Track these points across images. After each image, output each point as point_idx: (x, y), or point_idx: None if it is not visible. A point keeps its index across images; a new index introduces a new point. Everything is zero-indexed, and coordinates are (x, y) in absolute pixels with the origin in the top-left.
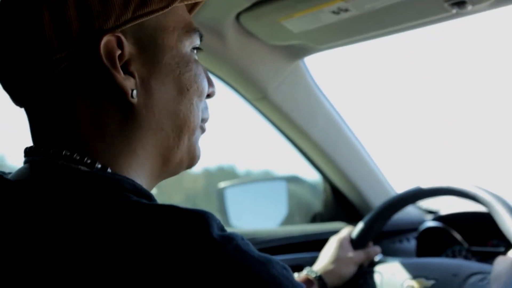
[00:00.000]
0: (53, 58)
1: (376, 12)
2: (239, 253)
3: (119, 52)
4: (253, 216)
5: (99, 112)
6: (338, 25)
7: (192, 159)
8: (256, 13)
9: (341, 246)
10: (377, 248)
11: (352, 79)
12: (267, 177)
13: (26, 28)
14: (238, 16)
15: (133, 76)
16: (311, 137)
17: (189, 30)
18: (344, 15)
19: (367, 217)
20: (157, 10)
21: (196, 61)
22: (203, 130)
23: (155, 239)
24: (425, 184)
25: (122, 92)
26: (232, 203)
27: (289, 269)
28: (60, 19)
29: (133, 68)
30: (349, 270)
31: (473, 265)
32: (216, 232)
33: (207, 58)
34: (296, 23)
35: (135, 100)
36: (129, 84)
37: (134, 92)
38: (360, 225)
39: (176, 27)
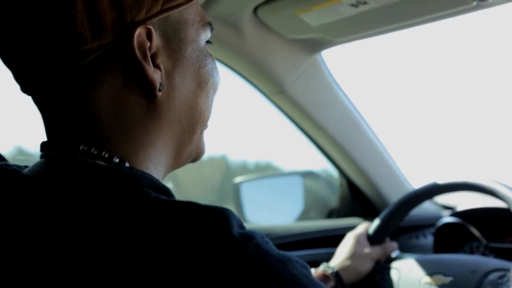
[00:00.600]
0: (84, 48)
1: (395, 4)
2: (259, 252)
3: (148, 44)
4: (269, 211)
5: (124, 105)
6: (357, 18)
7: (199, 153)
8: (273, 7)
9: (358, 242)
10: (394, 244)
11: (369, 73)
12: (283, 172)
13: (56, 16)
14: (255, 9)
15: (160, 69)
16: (328, 131)
17: (204, 23)
18: (362, 8)
19: (384, 213)
20: (183, 3)
21: (210, 55)
22: (207, 125)
23: (175, 236)
24: (443, 179)
25: (150, 85)
26: (248, 198)
27: (309, 268)
28: (94, 9)
29: (160, 60)
30: (366, 266)
31: (492, 261)
32: (236, 229)
33: (225, 52)
34: (314, 16)
35: (160, 93)
36: (157, 77)
37: (162, 85)
38: (377, 221)
39: (195, 20)
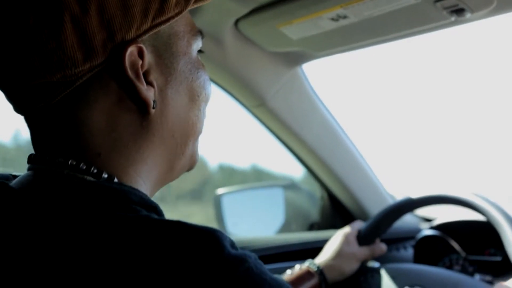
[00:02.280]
0: (75, 71)
1: (375, 19)
2: (251, 277)
3: (140, 62)
4: (250, 223)
5: (116, 123)
6: (337, 32)
7: (192, 163)
8: (254, 20)
9: (346, 241)
10: (383, 246)
11: (350, 85)
12: (265, 184)
13: (45, 41)
14: (236, 22)
15: (153, 86)
16: (308, 144)
17: (195, 33)
18: (343, 22)
19: (376, 215)
20: (173, 17)
21: (203, 65)
22: (201, 132)
23: (167, 257)
24: (423, 192)
25: (144, 104)
26: (229, 210)
27: None
28: (83, 31)
29: (152, 77)
30: (352, 266)
31: (470, 281)
32: (229, 251)
33: (206, 64)
34: (295, 30)
35: (153, 110)
36: (151, 95)
37: (156, 103)
38: (369, 222)
39: (185, 31)
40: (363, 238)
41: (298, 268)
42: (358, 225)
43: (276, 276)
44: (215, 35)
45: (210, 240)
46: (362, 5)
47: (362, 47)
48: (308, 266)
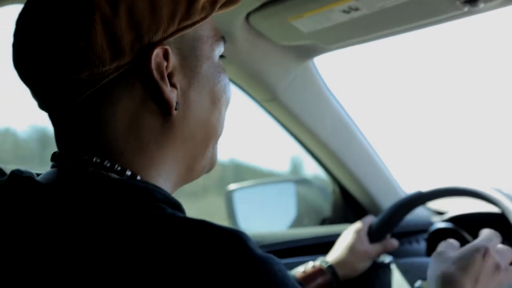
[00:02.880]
0: (103, 70)
1: (387, 10)
2: (274, 278)
3: (165, 64)
4: (262, 218)
5: (139, 123)
6: (349, 24)
7: (212, 165)
8: (265, 13)
9: (358, 237)
10: (395, 241)
11: (362, 79)
12: (276, 180)
13: (76, 39)
14: (247, 16)
15: (176, 88)
16: (320, 138)
17: (218, 38)
18: (354, 14)
19: (387, 210)
20: (199, 21)
21: (224, 70)
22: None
23: (192, 255)
24: (435, 185)
25: (166, 105)
26: (241, 206)
27: None
28: (112, 31)
29: (176, 79)
30: (364, 263)
31: None
32: (253, 250)
33: None
34: (306, 23)
35: (176, 112)
36: (174, 96)
37: (178, 104)
38: (379, 218)
39: (209, 36)
40: (374, 235)
41: (311, 265)
42: (369, 220)
43: (297, 285)
44: (226, 29)
45: (235, 240)
46: None
47: (374, 39)
48: (320, 264)
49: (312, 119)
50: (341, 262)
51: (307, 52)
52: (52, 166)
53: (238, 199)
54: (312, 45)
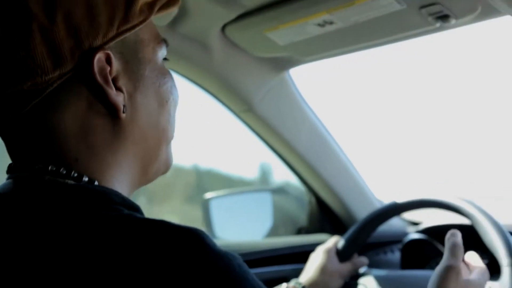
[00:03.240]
0: (45, 79)
1: (361, 24)
2: (233, 272)
3: (108, 68)
4: (238, 227)
5: (89, 128)
6: (324, 38)
7: (167, 167)
8: (241, 25)
9: (328, 257)
10: (364, 259)
11: (337, 89)
12: (253, 188)
13: (15, 50)
14: (223, 27)
15: (122, 91)
16: (296, 149)
17: (159, 41)
18: (329, 28)
19: (352, 229)
20: (137, 24)
21: (168, 72)
22: (173, 136)
23: (150, 254)
24: (409, 197)
25: (113, 108)
26: (217, 215)
27: None
28: (51, 39)
29: (121, 83)
30: (336, 282)
31: None
32: (212, 246)
33: (193, 69)
34: (282, 35)
35: (124, 115)
36: (120, 99)
37: (125, 107)
38: (346, 236)
39: (150, 39)
40: (342, 254)
41: (285, 287)
42: (336, 240)
43: (258, 281)
44: (202, 40)
45: (193, 237)
46: (348, 11)
47: (348, 52)
48: (293, 286)
49: (288, 130)
50: (314, 283)
51: (283, 63)
52: (8, 178)
53: (214, 208)
54: (288, 57)
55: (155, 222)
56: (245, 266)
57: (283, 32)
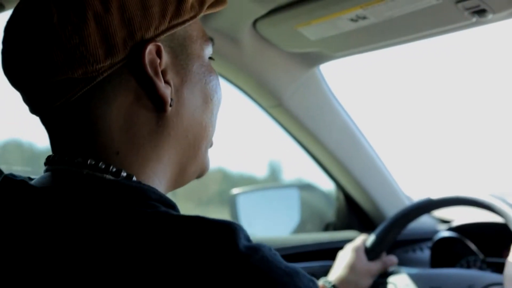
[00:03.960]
0: (96, 67)
1: (395, 20)
2: (266, 264)
3: (158, 61)
4: (265, 223)
5: (134, 121)
6: (356, 33)
7: (203, 170)
8: (272, 20)
9: (357, 255)
10: (394, 258)
11: (368, 86)
12: (280, 185)
13: (69, 37)
14: (254, 23)
15: (170, 85)
16: (325, 145)
17: (206, 39)
18: (362, 23)
19: (381, 227)
20: (188, 19)
21: (214, 71)
22: (212, 141)
23: (184, 251)
24: (441, 194)
25: (161, 101)
26: (244, 210)
27: (316, 282)
28: (105, 28)
29: (169, 76)
30: (366, 281)
31: (489, 276)
32: (242, 243)
33: (223, 64)
34: (313, 31)
35: (170, 108)
36: (168, 93)
37: (173, 101)
38: (374, 235)
39: (198, 36)
40: (371, 252)
41: None
42: (364, 238)
43: (292, 264)
44: (233, 36)
45: (225, 232)
46: (382, 5)
47: (381, 47)
48: (322, 284)
49: (318, 126)
50: (344, 281)
51: (314, 59)
52: (46, 170)
53: (241, 203)
54: (319, 53)
55: (190, 219)
56: (275, 254)
57: (315, 27)
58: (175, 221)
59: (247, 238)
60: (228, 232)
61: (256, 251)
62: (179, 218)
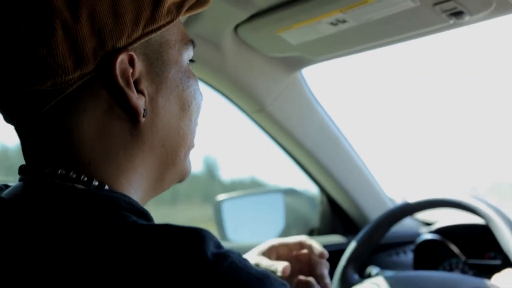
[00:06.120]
0: (66, 79)
1: (374, 23)
2: (235, 270)
3: (131, 70)
4: (250, 229)
5: (107, 131)
6: (336, 37)
7: (183, 175)
8: (254, 25)
9: None
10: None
11: (349, 88)
12: (264, 190)
13: (36, 48)
14: (236, 28)
15: (143, 94)
16: (308, 149)
17: (186, 42)
18: (342, 26)
19: (365, 229)
20: (165, 25)
21: (194, 75)
22: (193, 146)
23: (149, 262)
24: (422, 196)
25: (134, 112)
26: (229, 216)
27: (288, 285)
28: (74, 38)
29: (143, 86)
30: None
31: (471, 280)
32: (211, 250)
33: (204, 70)
34: (294, 35)
35: (144, 119)
36: (141, 103)
37: (146, 111)
38: (358, 237)
39: (176, 40)
40: (355, 256)
41: None
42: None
43: (261, 269)
44: (214, 41)
45: (193, 239)
46: (361, 9)
47: (361, 51)
48: None
49: (300, 130)
50: None
51: (296, 63)
52: (19, 180)
53: (226, 210)
54: (301, 57)
55: (157, 228)
56: (245, 260)
57: (296, 32)
58: (141, 231)
59: (217, 245)
60: (196, 239)
61: (225, 258)
62: (146, 227)
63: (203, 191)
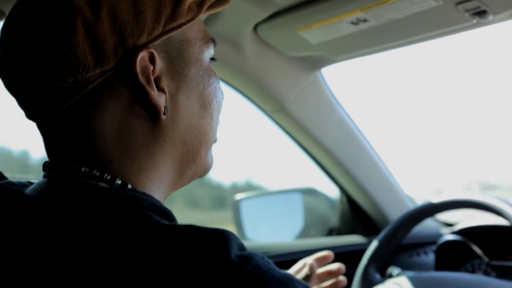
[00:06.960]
0: (86, 76)
1: (395, 22)
2: (259, 273)
3: (151, 68)
4: (268, 229)
5: (128, 129)
6: (357, 36)
7: (205, 171)
8: (273, 24)
9: None
10: None
11: (369, 88)
12: (283, 189)
13: (57, 45)
14: (255, 27)
15: (164, 92)
16: (328, 149)
17: (207, 40)
18: (363, 26)
19: (386, 230)
20: (185, 23)
21: (214, 73)
22: (215, 141)
23: (173, 262)
24: (445, 197)
25: (154, 110)
26: (248, 216)
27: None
28: (94, 35)
29: (164, 83)
30: None
31: (494, 282)
32: (235, 252)
33: (224, 69)
34: (314, 34)
35: (164, 116)
36: (162, 101)
37: (166, 109)
38: (379, 238)
39: (197, 38)
40: (376, 257)
41: None
42: None
43: (285, 271)
44: (234, 40)
45: (217, 241)
46: (382, 8)
47: (382, 50)
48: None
49: (320, 130)
50: None
51: (315, 63)
52: (44, 176)
53: (245, 209)
54: (320, 56)
55: (180, 228)
56: (269, 262)
57: (316, 31)
58: (165, 231)
59: (240, 247)
60: (220, 241)
61: (248, 260)
62: (170, 228)
63: (187, 195)
